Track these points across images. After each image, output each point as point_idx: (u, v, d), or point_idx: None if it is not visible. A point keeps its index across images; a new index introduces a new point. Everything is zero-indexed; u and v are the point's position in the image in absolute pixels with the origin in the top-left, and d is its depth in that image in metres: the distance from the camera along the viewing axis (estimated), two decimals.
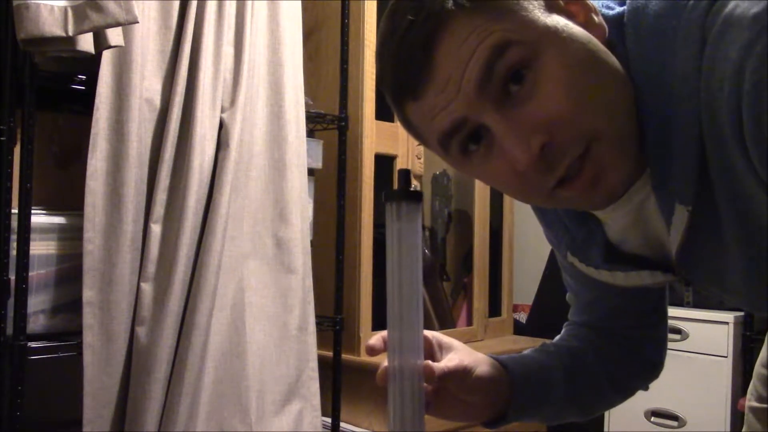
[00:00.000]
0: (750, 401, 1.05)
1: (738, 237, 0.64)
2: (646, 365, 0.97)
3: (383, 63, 0.67)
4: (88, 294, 1.58)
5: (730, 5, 0.58)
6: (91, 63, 1.60)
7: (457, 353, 0.79)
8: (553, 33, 0.62)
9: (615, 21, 0.67)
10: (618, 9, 0.68)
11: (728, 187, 0.62)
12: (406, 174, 0.67)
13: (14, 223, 1.51)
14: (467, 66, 0.61)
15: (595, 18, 0.66)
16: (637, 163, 0.67)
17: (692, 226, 0.66)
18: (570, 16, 0.65)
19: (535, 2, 0.63)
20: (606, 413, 2.60)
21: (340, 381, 2.12)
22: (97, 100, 1.59)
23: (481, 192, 2.66)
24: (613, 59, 0.65)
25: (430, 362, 0.73)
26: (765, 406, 1.02)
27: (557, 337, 1.00)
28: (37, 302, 1.58)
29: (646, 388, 0.99)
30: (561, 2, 0.65)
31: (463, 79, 0.61)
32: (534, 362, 0.89)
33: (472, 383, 0.78)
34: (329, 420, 2.10)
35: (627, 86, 0.65)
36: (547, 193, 0.66)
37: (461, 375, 0.77)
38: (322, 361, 1.99)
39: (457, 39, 0.61)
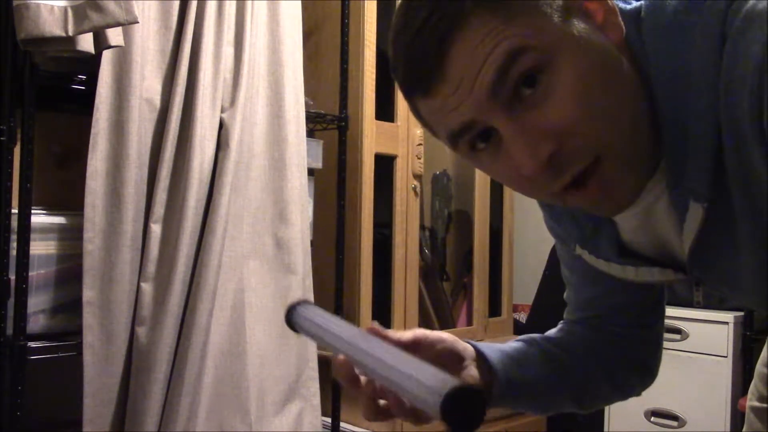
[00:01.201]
0: (751, 401, 1.04)
1: (753, 235, 0.64)
2: (639, 367, 0.97)
3: (395, 55, 0.65)
4: (88, 294, 1.58)
5: (752, 1, 0.58)
6: (91, 63, 1.60)
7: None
8: (570, 39, 0.61)
9: (632, 16, 0.66)
10: (635, 3, 0.67)
11: (745, 184, 0.61)
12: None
13: (14, 223, 1.51)
14: (481, 70, 0.60)
15: (614, 18, 0.64)
16: (647, 167, 0.67)
17: (706, 224, 0.66)
18: (588, 16, 0.63)
19: (553, 3, 0.61)
20: (606, 413, 2.60)
21: None
22: (97, 100, 1.59)
23: (481, 192, 2.66)
24: (626, 67, 0.64)
25: (375, 324, 0.72)
26: (766, 405, 1.02)
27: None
28: (37, 302, 1.58)
29: (638, 394, 0.98)
30: (580, 1, 0.63)
31: (476, 83, 0.60)
32: (506, 346, 0.89)
33: (433, 339, 0.78)
34: (329, 420, 2.10)
35: (638, 92, 0.65)
36: (554, 196, 0.66)
37: (420, 336, 0.77)
38: (322, 361, 1.99)
39: (471, 41, 0.60)
